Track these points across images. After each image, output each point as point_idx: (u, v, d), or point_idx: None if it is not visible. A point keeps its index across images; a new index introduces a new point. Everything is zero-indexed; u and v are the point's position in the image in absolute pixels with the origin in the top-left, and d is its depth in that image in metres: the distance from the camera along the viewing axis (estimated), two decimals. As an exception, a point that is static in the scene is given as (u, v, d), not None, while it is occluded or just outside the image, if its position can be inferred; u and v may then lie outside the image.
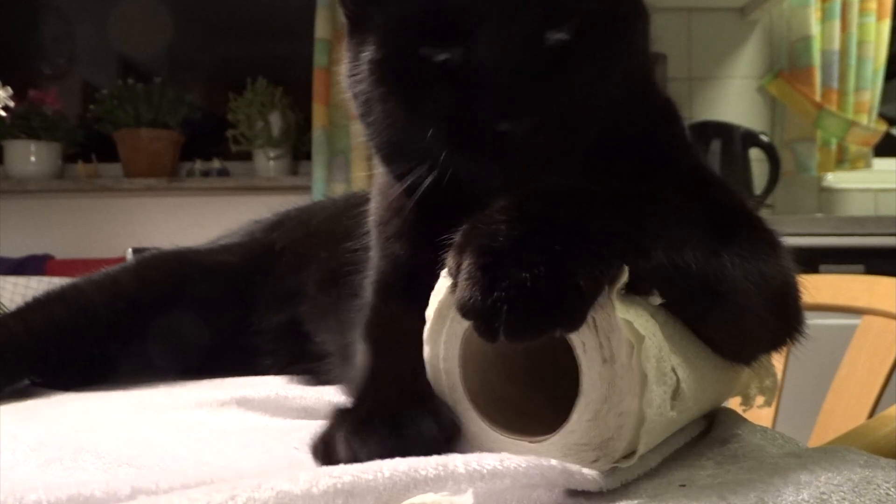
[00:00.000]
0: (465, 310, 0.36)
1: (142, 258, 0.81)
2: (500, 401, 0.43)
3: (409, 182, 0.52)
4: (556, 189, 0.40)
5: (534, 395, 0.44)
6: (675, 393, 0.39)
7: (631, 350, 0.37)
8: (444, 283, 0.42)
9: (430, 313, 0.43)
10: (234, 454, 0.45)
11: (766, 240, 0.47)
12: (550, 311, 0.35)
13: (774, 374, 0.57)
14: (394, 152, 0.55)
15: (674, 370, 0.39)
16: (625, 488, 0.37)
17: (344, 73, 0.57)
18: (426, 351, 0.43)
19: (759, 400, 0.57)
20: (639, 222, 0.39)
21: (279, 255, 0.83)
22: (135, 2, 2.76)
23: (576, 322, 0.36)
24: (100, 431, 0.51)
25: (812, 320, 1.19)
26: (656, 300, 0.40)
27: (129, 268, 0.78)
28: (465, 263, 0.37)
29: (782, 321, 0.49)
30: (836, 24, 2.44)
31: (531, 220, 0.37)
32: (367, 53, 0.53)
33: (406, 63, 0.50)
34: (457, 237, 0.39)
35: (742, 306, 0.43)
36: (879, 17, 2.45)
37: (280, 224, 0.89)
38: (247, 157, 2.64)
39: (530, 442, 0.40)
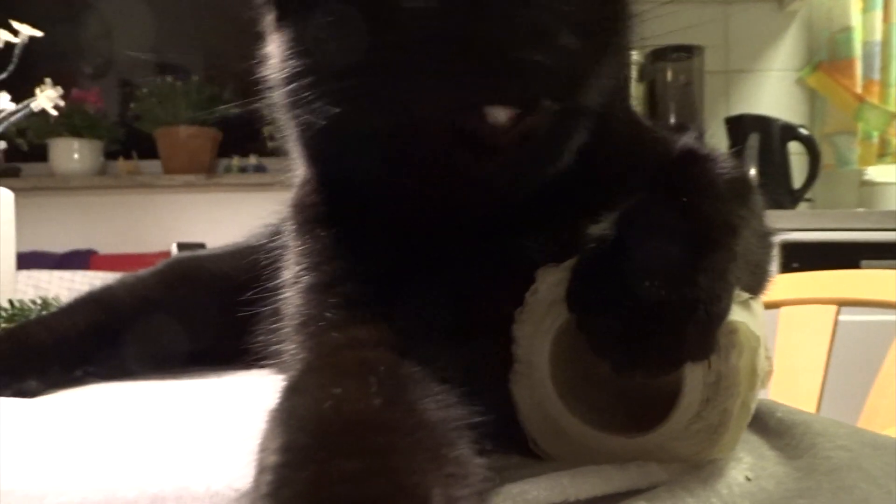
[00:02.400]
0: (607, 355, 0.37)
1: (166, 263, 0.86)
2: (580, 397, 0.43)
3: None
4: (650, 217, 0.40)
5: (612, 391, 0.44)
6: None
7: (741, 352, 0.37)
8: (543, 278, 0.42)
9: (525, 308, 0.43)
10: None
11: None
12: (692, 350, 0.36)
13: (770, 359, 0.58)
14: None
15: (765, 360, 0.41)
16: (696, 475, 0.37)
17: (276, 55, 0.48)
18: (517, 344, 0.43)
19: None
20: (729, 234, 0.39)
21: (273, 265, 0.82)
22: (172, 1, 2.81)
23: (709, 355, 0.37)
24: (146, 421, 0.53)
25: (854, 316, 1.18)
26: (745, 295, 0.40)
27: (154, 272, 0.83)
28: (604, 314, 0.37)
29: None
30: (878, 15, 2.39)
31: (645, 260, 0.37)
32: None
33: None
34: (572, 281, 0.39)
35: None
36: (923, 7, 2.40)
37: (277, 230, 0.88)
38: (283, 153, 2.67)
39: (626, 438, 0.40)
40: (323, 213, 0.50)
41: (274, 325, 0.73)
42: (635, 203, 0.40)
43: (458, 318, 0.43)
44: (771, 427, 0.45)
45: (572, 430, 0.42)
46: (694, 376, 0.37)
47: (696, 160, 0.47)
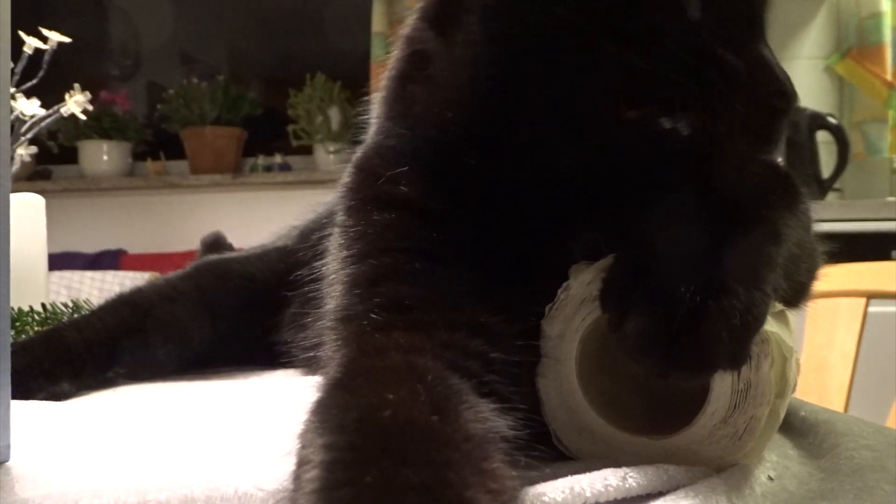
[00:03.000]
0: (639, 358, 0.36)
1: (195, 265, 0.87)
2: (603, 394, 0.43)
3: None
4: (691, 220, 0.39)
5: (638, 392, 0.44)
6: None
7: (772, 362, 0.37)
8: (575, 276, 0.42)
9: (557, 304, 0.43)
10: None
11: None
12: (725, 357, 0.35)
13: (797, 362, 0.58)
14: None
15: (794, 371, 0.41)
16: (720, 473, 0.37)
17: None
18: (545, 339, 0.43)
19: None
20: (774, 241, 0.39)
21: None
22: (197, 3, 2.84)
23: (742, 362, 0.36)
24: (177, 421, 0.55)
25: (884, 308, 1.16)
26: (779, 306, 0.40)
27: (183, 275, 0.84)
28: (638, 316, 0.36)
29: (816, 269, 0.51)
30: (909, -1, 2.35)
31: (683, 264, 0.36)
32: None
33: None
34: (608, 280, 0.39)
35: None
36: (956, -9, 2.35)
37: (310, 231, 0.89)
38: (307, 151, 2.69)
39: (650, 439, 0.40)
40: (386, 190, 0.48)
41: (303, 325, 0.74)
42: (677, 204, 0.40)
43: (494, 312, 0.43)
44: (795, 426, 0.45)
45: (596, 429, 0.42)
46: (723, 382, 0.37)
47: (744, 163, 0.46)
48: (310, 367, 0.64)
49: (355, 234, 0.49)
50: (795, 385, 0.40)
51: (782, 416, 0.39)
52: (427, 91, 0.48)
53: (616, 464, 0.36)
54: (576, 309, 0.42)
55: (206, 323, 0.80)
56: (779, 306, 0.40)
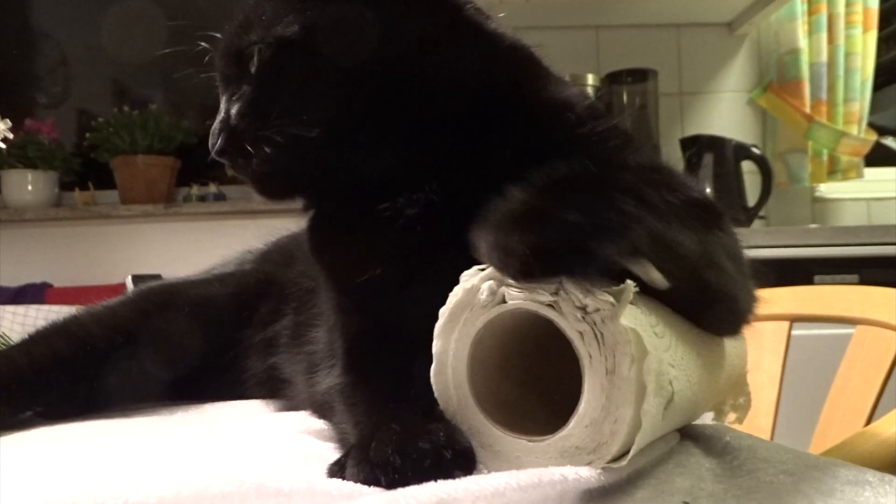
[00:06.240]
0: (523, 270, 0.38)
1: (138, 292, 0.83)
2: (500, 401, 0.44)
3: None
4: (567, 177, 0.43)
5: (531, 396, 0.46)
6: (668, 403, 0.41)
7: (632, 363, 0.38)
8: (464, 282, 0.43)
9: (445, 311, 0.44)
10: (254, 469, 0.45)
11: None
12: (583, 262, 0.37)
13: (748, 394, 0.59)
14: None
15: (670, 383, 0.41)
16: (630, 498, 0.37)
17: None
18: (436, 345, 0.44)
19: (731, 416, 0.58)
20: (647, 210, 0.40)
21: (264, 293, 0.83)
22: (129, 30, 2.79)
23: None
24: (102, 461, 0.52)
25: (807, 330, 1.21)
26: (663, 284, 0.40)
27: (125, 301, 0.80)
28: (516, 237, 0.38)
29: (751, 289, 0.51)
30: (824, 37, 2.47)
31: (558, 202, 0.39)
32: None
33: None
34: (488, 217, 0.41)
35: (729, 277, 0.46)
36: (865, 29, 2.48)
37: (269, 256, 0.89)
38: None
39: (528, 441, 0.41)
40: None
41: (269, 354, 0.75)
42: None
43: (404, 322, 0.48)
44: (718, 449, 0.46)
45: (483, 431, 0.43)
46: (593, 382, 0.38)
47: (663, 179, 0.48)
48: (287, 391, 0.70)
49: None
50: (672, 394, 0.41)
51: (655, 417, 0.39)
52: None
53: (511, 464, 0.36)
54: (461, 312, 0.43)
55: (151, 352, 0.75)
56: (661, 325, 0.41)
